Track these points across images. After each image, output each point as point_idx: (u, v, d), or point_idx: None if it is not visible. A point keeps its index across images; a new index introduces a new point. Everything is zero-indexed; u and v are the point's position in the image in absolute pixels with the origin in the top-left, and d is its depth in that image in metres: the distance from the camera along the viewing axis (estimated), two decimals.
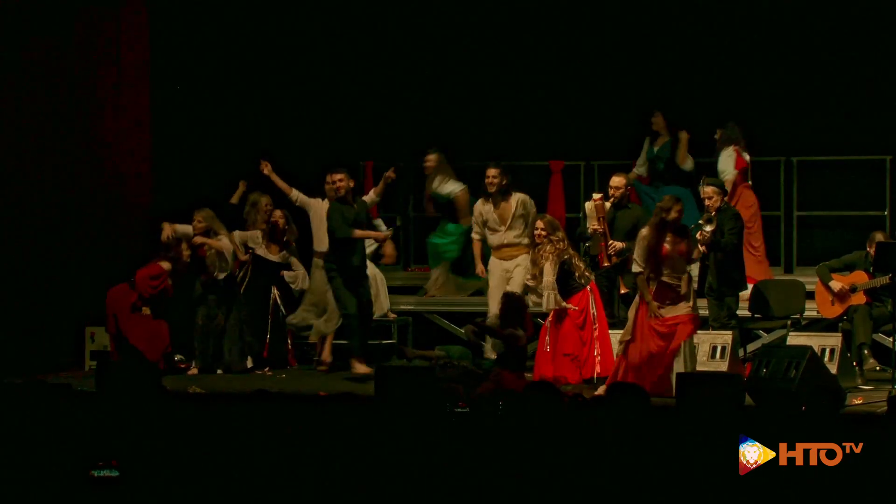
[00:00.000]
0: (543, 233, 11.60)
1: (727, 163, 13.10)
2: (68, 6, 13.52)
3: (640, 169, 13.67)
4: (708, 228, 11.35)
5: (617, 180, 12.06)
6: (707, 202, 11.67)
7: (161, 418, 8.41)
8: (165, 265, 12.64)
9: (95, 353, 13.02)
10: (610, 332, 11.60)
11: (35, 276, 13.16)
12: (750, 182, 13.42)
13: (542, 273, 11.53)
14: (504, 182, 12.37)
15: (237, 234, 12.79)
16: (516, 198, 12.39)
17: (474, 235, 12.72)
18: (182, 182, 13.82)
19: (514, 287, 12.08)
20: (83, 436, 7.98)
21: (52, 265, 13.29)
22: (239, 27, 14.98)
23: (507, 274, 12.34)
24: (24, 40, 13.16)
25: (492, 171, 12.40)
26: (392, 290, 13.81)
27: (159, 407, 8.87)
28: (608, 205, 11.84)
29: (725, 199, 11.87)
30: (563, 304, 11.46)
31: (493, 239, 12.48)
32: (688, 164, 13.45)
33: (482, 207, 12.53)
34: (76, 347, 13.25)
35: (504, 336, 11.28)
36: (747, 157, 13.18)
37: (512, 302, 11.43)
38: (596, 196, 11.89)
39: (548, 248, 11.55)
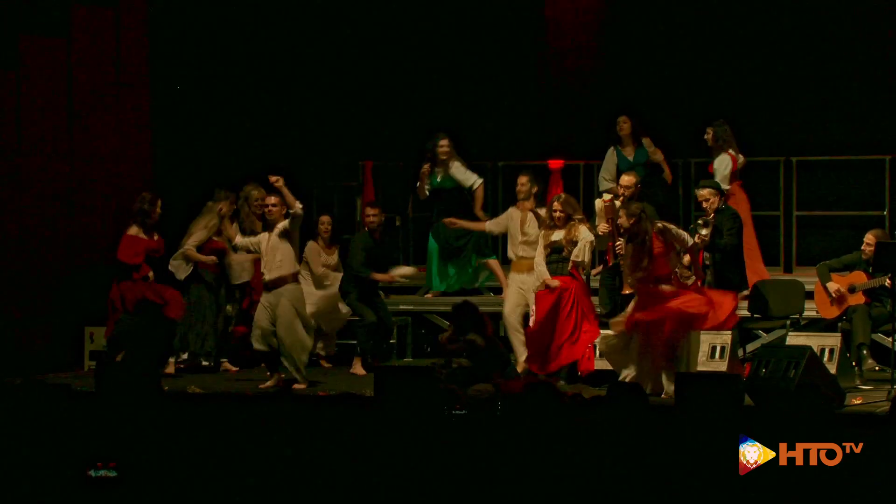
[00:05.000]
0: (563, 214, 11.63)
1: (723, 164, 13.02)
2: (67, 5, 13.52)
3: (610, 183, 13.06)
4: (704, 231, 11.33)
5: (627, 179, 12.05)
6: (704, 204, 11.65)
7: (160, 418, 8.41)
8: (133, 230, 12.45)
9: (95, 353, 13.01)
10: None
11: (35, 276, 13.16)
12: (741, 181, 13.34)
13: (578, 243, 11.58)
14: (535, 190, 12.40)
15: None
16: (531, 211, 12.39)
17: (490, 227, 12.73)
18: (182, 182, 13.80)
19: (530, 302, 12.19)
20: (82, 436, 7.99)
21: (52, 265, 13.28)
22: (239, 27, 14.98)
23: (522, 287, 12.30)
24: (24, 40, 13.15)
25: (522, 179, 12.42)
26: (392, 290, 13.79)
27: (158, 407, 8.88)
28: (618, 203, 11.84)
29: (723, 200, 11.86)
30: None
31: (511, 249, 12.46)
32: (658, 156, 13.41)
33: (512, 213, 12.53)
34: (76, 347, 13.24)
35: (461, 349, 11.33)
36: (741, 159, 13.09)
37: (461, 311, 11.59)
38: (606, 196, 11.91)
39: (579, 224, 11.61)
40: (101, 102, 13.78)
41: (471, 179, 13.24)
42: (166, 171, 14.10)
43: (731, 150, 12.93)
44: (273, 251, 11.47)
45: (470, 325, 11.51)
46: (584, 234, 11.61)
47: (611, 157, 13.18)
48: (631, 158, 13.06)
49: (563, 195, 11.95)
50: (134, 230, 12.39)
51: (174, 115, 14.34)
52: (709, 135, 12.99)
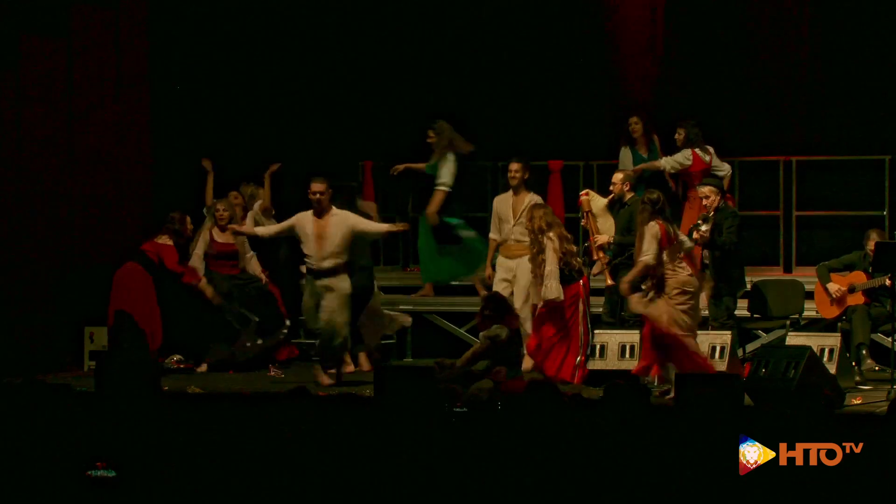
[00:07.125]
0: (542, 223, 11.55)
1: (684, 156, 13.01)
2: (67, 5, 13.52)
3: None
4: (704, 228, 11.34)
5: (615, 176, 12.20)
6: (704, 201, 11.67)
7: (160, 418, 8.41)
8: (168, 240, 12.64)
9: (95, 353, 12.99)
10: (611, 332, 11.64)
11: (35, 276, 13.15)
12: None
13: (543, 263, 11.46)
14: (526, 176, 12.45)
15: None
16: (530, 196, 12.38)
17: (491, 235, 12.67)
18: (182, 182, 13.81)
19: (520, 287, 12.11)
20: (82, 436, 7.99)
21: (51, 265, 13.28)
22: (238, 27, 14.98)
23: (510, 273, 12.31)
24: (23, 40, 13.15)
25: (514, 166, 12.46)
26: (391, 290, 13.79)
27: (158, 407, 8.88)
28: (604, 201, 11.90)
29: (723, 199, 11.87)
30: (561, 296, 11.40)
31: (503, 233, 12.49)
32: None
33: (498, 202, 12.56)
34: (76, 347, 13.24)
35: (486, 349, 11.15)
36: (707, 158, 12.97)
37: (493, 302, 11.32)
38: (582, 193, 12.00)
39: (550, 235, 11.48)
40: (101, 102, 13.78)
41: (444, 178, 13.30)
42: (166, 172, 14.09)
43: (697, 150, 12.91)
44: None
45: (500, 317, 11.29)
46: (549, 260, 11.43)
47: (625, 156, 13.24)
48: (646, 157, 13.16)
49: (547, 208, 11.85)
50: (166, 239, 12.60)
51: (174, 115, 14.34)
52: (680, 135, 12.98)
